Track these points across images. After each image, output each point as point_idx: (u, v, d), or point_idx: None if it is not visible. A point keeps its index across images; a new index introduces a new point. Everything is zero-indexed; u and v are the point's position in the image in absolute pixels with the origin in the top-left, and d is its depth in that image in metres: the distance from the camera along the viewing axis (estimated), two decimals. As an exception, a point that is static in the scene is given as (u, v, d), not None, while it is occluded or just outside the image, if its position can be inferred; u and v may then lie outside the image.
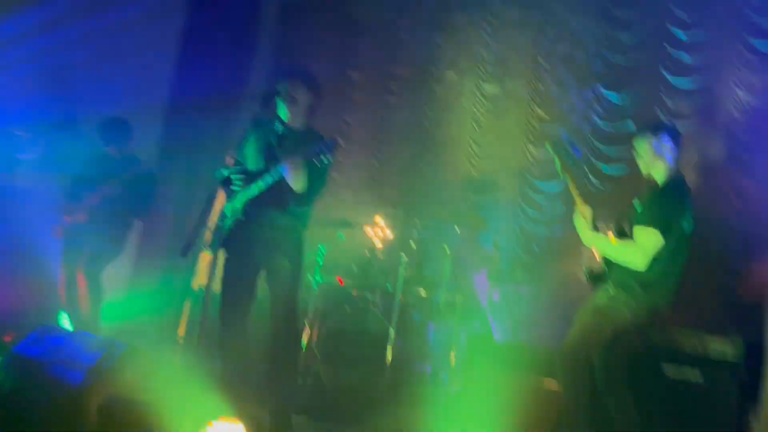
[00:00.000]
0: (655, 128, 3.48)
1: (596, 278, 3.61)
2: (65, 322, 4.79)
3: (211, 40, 6.78)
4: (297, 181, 3.38)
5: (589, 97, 6.85)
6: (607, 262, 3.47)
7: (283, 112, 3.64)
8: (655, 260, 3.15)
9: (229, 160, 3.63)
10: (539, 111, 7.11)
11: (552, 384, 4.15)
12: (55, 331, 2.95)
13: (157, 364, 2.91)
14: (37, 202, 5.31)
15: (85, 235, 4.70)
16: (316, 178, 3.50)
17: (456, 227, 5.85)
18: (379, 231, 7.18)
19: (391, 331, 5.17)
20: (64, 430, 2.23)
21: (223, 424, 2.24)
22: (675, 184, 3.32)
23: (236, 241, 3.57)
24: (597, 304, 3.28)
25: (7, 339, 4.29)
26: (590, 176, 6.61)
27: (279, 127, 3.66)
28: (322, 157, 3.31)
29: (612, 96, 6.71)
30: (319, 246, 5.69)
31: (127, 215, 4.91)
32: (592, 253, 3.69)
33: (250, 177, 3.59)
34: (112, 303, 4.89)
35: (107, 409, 2.28)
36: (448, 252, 5.51)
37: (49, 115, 5.21)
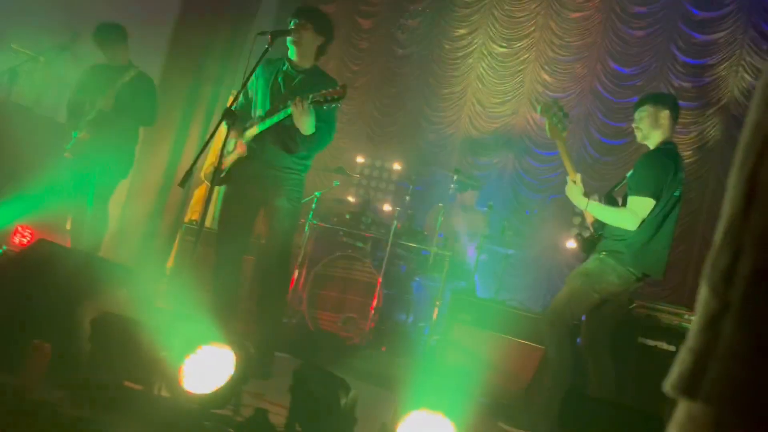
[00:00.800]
0: (657, 98, 3.49)
1: (587, 244, 3.67)
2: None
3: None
4: (304, 124, 3.37)
5: (596, 67, 6.83)
6: (599, 227, 3.53)
7: (292, 51, 3.61)
8: (646, 222, 3.21)
9: (235, 96, 3.60)
10: (545, 76, 7.09)
11: (531, 343, 4.27)
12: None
13: (150, 287, 2.96)
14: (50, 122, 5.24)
15: (92, 153, 4.54)
16: (325, 122, 3.49)
17: (451, 185, 5.89)
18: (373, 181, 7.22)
19: (378, 281, 5.25)
20: (58, 339, 2.29)
21: (213, 348, 2.30)
22: (666, 149, 3.36)
23: (238, 177, 3.58)
24: (587, 268, 3.36)
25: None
26: (589, 147, 6.65)
27: (287, 67, 3.63)
28: (330, 100, 3.29)
29: (621, 68, 6.69)
30: (315, 193, 5.72)
31: (130, 126, 4.71)
32: (584, 220, 3.75)
33: (256, 114, 3.58)
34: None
35: (100, 322, 2.34)
36: (442, 208, 5.56)
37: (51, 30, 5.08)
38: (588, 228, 3.79)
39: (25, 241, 5.01)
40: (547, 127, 3.45)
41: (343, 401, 2.12)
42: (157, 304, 2.98)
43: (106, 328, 2.37)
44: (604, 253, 3.31)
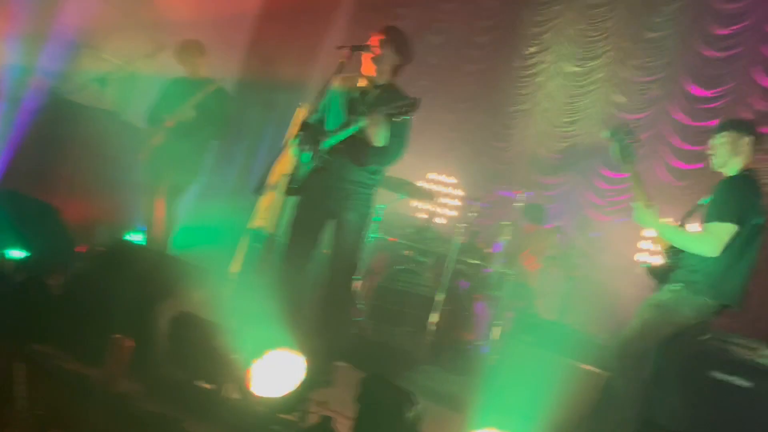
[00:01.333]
0: (738, 125, 3.36)
1: (659, 272, 3.56)
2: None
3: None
4: (377, 136, 3.41)
5: (672, 88, 6.64)
6: (673, 256, 3.41)
7: (369, 67, 3.67)
8: (726, 250, 3.08)
9: (311, 108, 3.69)
10: (617, 96, 6.95)
11: (593, 369, 4.16)
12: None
13: (222, 290, 3.06)
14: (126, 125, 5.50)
15: (166, 158, 4.79)
16: (397, 136, 3.53)
17: (517, 204, 5.83)
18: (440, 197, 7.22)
19: (439, 296, 5.24)
20: (138, 335, 2.39)
21: (282, 353, 2.36)
22: (746, 175, 3.23)
23: (310, 188, 3.65)
24: (660, 299, 3.25)
25: (81, 250, 4.54)
26: (662, 171, 6.47)
27: (363, 82, 3.70)
28: (404, 113, 3.33)
29: (698, 91, 6.49)
30: (379, 205, 5.77)
31: (205, 137, 4.96)
32: (653, 246, 3.64)
33: (330, 127, 3.65)
34: (178, 229, 5.02)
35: (177, 321, 2.43)
36: (508, 227, 5.51)
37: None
38: (659, 255, 3.68)
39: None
40: (614, 152, 3.38)
41: (409, 415, 2.14)
42: (229, 306, 3.07)
43: (183, 328, 2.47)
44: (679, 284, 3.20)
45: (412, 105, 3.33)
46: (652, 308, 3.25)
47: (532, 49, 7.47)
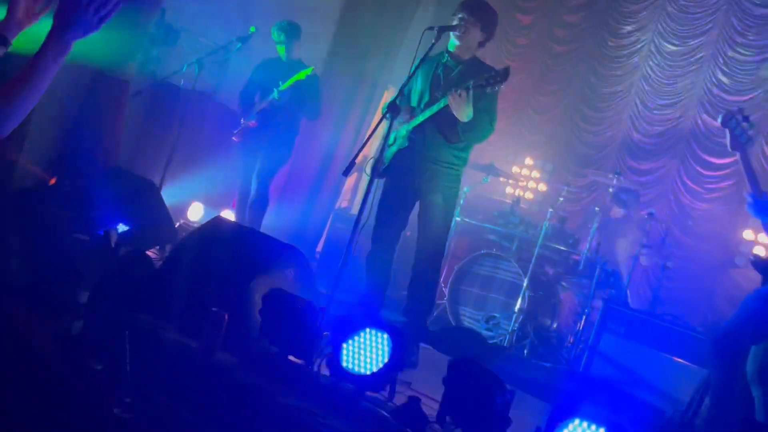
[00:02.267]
0: None
1: (763, 266, 3.33)
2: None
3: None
4: (461, 112, 3.37)
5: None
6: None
7: (453, 44, 3.62)
8: None
9: (399, 89, 3.69)
10: (721, 76, 6.53)
11: (687, 363, 3.98)
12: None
13: (312, 269, 3.12)
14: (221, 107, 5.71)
15: (259, 140, 4.96)
16: (485, 111, 3.47)
17: (609, 189, 5.62)
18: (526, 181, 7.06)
19: (525, 282, 5.14)
20: (233, 310, 2.48)
21: (373, 332, 2.38)
22: None
23: (397, 169, 3.66)
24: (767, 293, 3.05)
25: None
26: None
27: (447, 59, 3.66)
28: (497, 83, 3.26)
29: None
30: (464, 189, 5.71)
31: (297, 119, 5.08)
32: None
33: (416, 106, 3.65)
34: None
35: (270, 297, 2.51)
36: (598, 213, 5.33)
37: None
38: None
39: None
40: (728, 138, 3.18)
41: (498, 400, 2.11)
42: (315, 284, 3.13)
43: (275, 304, 2.54)
44: None
45: (504, 74, 3.26)
46: (759, 300, 3.05)
47: (628, 28, 7.12)
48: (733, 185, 6.34)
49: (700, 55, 6.66)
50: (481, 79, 3.30)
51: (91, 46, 1.93)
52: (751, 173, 3.17)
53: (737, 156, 3.19)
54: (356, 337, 2.43)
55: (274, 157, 5.03)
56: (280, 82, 4.81)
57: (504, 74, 3.28)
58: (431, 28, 3.51)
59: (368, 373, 2.37)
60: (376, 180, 3.36)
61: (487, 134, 3.58)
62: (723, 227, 6.31)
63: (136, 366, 2.30)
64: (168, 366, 2.41)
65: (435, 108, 3.50)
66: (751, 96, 6.35)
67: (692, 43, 6.69)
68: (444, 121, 3.50)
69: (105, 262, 3.09)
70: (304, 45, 5.15)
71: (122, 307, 2.68)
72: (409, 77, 3.62)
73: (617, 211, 5.76)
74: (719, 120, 3.24)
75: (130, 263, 2.99)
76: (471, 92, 3.33)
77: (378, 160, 3.39)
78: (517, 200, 6.09)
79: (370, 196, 3.29)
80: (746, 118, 3.20)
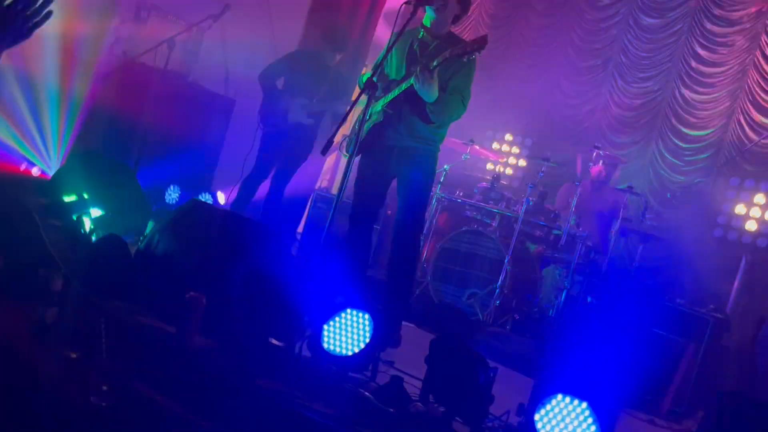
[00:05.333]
0: None
1: None
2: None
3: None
4: (426, 92, 3.32)
5: (761, 38, 6.18)
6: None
7: (429, 18, 3.56)
8: None
9: (374, 66, 3.63)
10: (699, 49, 6.53)
11: (675, 337, 4.02)
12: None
13: (287, 248, 3.08)
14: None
15: (282, 142, 4.99)
16: (457, 93, 3.44)
17: (589, 163, 5.63)
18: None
19: (506, 259, 5.14)
20: (211, 293, 2.43)
21: (354, 312, 2.36)
22: None
23: (373, 145, 3.61)
24: None
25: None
26: (749, 127, 6.09)
27: (423, 34, 3.61)
28: (471, 51, 3.21)
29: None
30: (444, 166, 5.68)
31: (324, 115, 5.12)
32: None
33: (391, 81, 3.59)
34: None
35: (249, 279, 2.47)
36: (577, 188, 5.33)
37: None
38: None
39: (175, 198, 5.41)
40: None
41: (481, 378, 2.10)
42: (296, 265, 3.09)
43: (255, 286, 2.50)
44: None
45: (481, 41, 3.20)
46: None
47: (606, 1, 7.08)
48: (710, 157, 6.39)
49: (678, 27, 6.64)
50: (458, 48, 3.25)
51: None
52: None
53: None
54: (337, 318, 2.40)
55: (295, 162, 5.07)
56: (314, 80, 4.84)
57: (481, 42, 3.23)
58: (408, 2, 3.45)
59: (350, 354, 2.34)
60: (353, 159, 3.31)
61: (458, 114, 3.53)
62: (702, 199, 6.36)
63: (113, 353, 2.26)
64: (145, 352, 2.37)
65: (404, 85, 3.45)
66: (728, 67, 6.37)
67: (670, 15, 6.67)
68: (417, 99, 3.45)
69: (78, 248, 3.01)
70: (278, 21, 5.09)
71: (97, 294, 2.62)
72: (386, 53, 3.57)
73: (599, 171, 5.73)
74: None
75: (104, 249, 2.92)
76: (436, 71, 3.29)
77: (353, 138, 3.34)
78: (498, 177, 6.07)
79: (349, 174, 3.24)
80: None
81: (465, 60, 3.28)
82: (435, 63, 3.29)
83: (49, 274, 2.78)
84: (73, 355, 2.28)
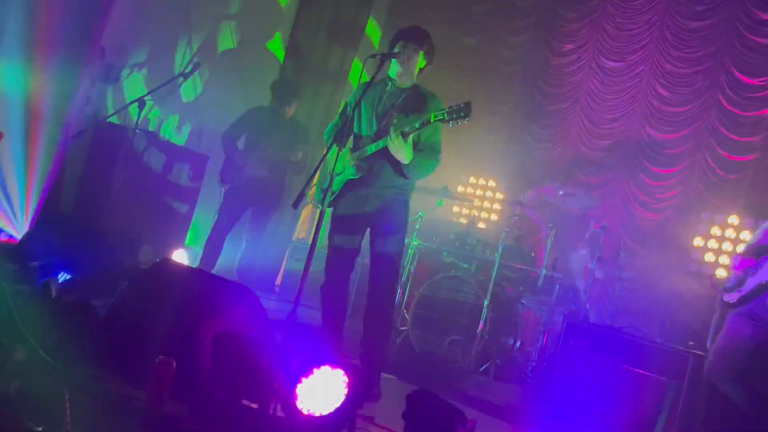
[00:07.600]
0: None
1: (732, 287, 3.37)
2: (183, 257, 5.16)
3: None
4: (400, 155, 3.40)
5: (719, 78, 6.38)
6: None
7: (395, 71, 3.63)
8: None
9: (342, 120, 3.68)
10: (660, 90, 6.72)
11: (654, 376, 3.98)
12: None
13: (263, 305, 3.03)
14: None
15: (241, 196, 5.09)
16: (429, 150, 3.51)
17: (562, 205, 5.69)
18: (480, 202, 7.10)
19: (485, 303, 5.12)
20: (181, 355, 2.37)
21: (328, 370, 2.31)
22: None
23: (347, 198, 3.62)
24: (752, 311, 3.07)
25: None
26: (713, 163, 6.23)
27: (390, 87, 3.67)
28: (456, 118, 3.26)
29: (747, 79, 6.22)
30: (419, 213, 5.70)
31: (284, 165, 5.26)
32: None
33: (364, 135, 3.62)
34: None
35: (220, 340, 2.41)
36: (552, 230, 5.37)
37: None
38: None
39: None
40: None
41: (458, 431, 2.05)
42: (271, 322, 3.03)
43: (226, 346, 2.44)
44: None
45: (466, 109, 3.25)
46: (743, 319, 3.05)
47: (569, 47, 7.30)
48: (680, 194, 6.49)
49: (639, 69, 6.85)
50: (443, 114, 3.29)
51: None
52: None
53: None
54: (311, 376, 2.35)
55: (267, 204, 5.18)
56: (276, 133, 5.05)
57: (466, 110, 3.27)
58: (374, 56, 3.52)
59: (325, 413, 2.28)
60: (324, 210, 3.32)
61: (432, 169, 3.59)
62: (674, 236, 6.43)
63: (78, 425, 2.17)
64: (114, 421, 2.28)
65: (378, 146, 3.50)
66: (691, 106, 6.54)
67: (631, 58, 6.88)
68: (392, 157, 3.49)
69: (45, 314, 2.93)
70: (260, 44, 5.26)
71: (63, 362, 2.54)
72: (355, 105, 3.62)
73: (571, 225, 5.80)
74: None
75: (71, 313, 2.85)
76: (411, 136, 3.35)
77: (326, 189, 3.35)
78: (473, 222, 6.11)
79: (322, 225, 3.24)
80: None
81: (450, 126, 3.33)
82: (408, 128, 3.34)
83: (12, 344, 2.69)
84: (38, 429, 2.19)
